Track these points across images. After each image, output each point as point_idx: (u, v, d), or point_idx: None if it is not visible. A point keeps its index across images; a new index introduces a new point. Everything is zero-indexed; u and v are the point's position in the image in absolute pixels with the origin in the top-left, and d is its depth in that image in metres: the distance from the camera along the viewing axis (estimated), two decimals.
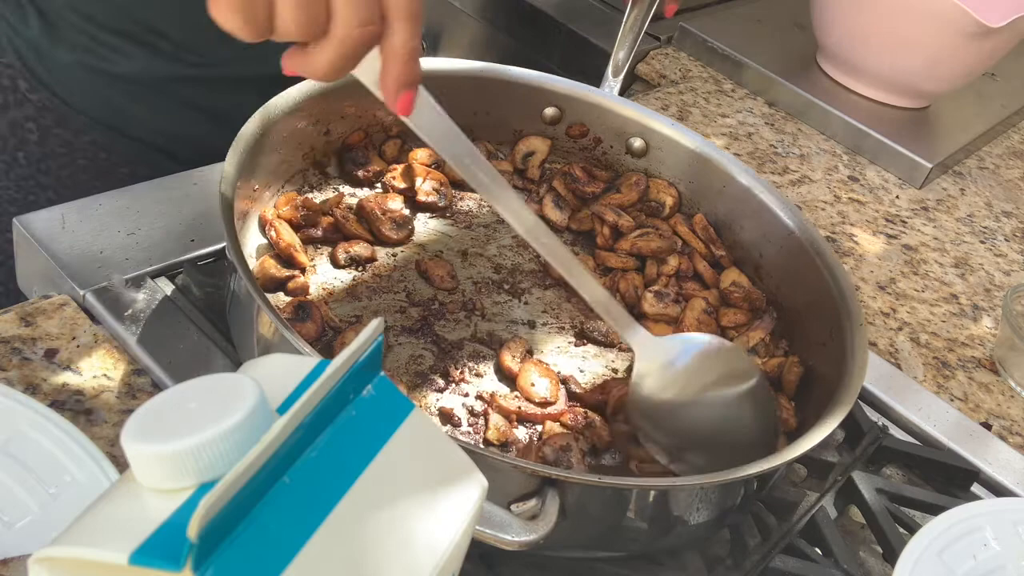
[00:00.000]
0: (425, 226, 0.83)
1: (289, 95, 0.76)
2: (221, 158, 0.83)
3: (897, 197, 1.16)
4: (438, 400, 0.68)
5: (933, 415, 0.83)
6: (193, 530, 0.28)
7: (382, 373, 0.37)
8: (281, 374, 0.36)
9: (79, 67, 0.89)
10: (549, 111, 0.90)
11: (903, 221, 1.12)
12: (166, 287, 0.73)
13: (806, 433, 0.63)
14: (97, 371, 0.66)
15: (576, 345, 0.77)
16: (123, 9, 0.86)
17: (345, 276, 0.76)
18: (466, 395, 0.69)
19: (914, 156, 1.19)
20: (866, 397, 0.83)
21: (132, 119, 0.91)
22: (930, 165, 1.18)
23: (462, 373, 0.70)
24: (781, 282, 0.83)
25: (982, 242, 1.12)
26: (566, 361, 0.75)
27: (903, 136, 1.21)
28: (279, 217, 0.75)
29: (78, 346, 0.67)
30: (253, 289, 0.60)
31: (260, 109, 0.73)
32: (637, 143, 0.90)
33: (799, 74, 1.29)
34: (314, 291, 0.74)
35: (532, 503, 0.56)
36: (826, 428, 0.63)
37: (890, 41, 1.20)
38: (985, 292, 1.04)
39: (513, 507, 0.56)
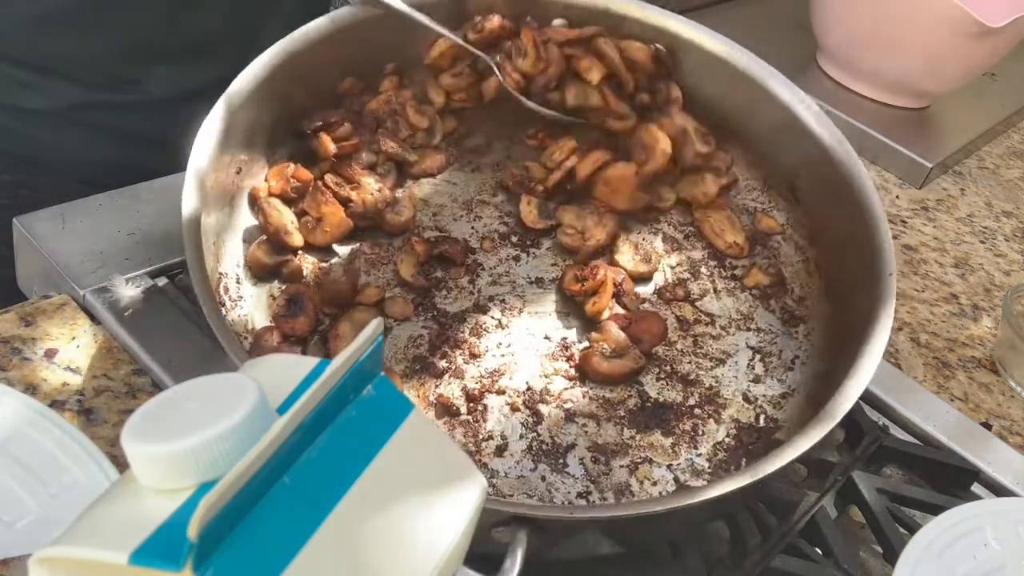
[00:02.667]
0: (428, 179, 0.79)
1: (260, 64, 0.70)
2: (147, 178, 0.81)
3: (897, 197, 1.16)
4: (436, 387, 0.68)
5: (933, 415, 0.83)
6: (193, 530, 0.28)
7: (382, 373, 0.37)
8: (281, 374, 0.36)
9: None
10: (557, 23, 0.81)
11: (903, 221, 1.12)
12: (166, 287, 0.73)
13: (804, 429, 0.62)
14: (97, 371, 0.66)
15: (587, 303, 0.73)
16: (24, 43, 0.85)
17: (342, 250, 0.74)
18: (465, 377, 0.68)
19: (914, 156, 1.19)
20: (866, 397, 0.83)
21: (50, 151, 0.90)
22: (930, 165, 1.18)
23: (462, 356, 0.69)
24: (817, 209, 0.77)
25: (982, 242, 1.12)
26: (575, 324, 0.73)
27: (903, 136, 1.21)
28: (270, 194, 0.71)
29: (78, 346, 0.67)
30: (220, 332, 0.56)
31: (227, 90, 0.68)
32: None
33: (799, 74, 1.29)
34: (309, 271, 0.71)
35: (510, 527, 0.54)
36: (826, 427, 0.61)
37: (890, 41, 1.20)
38: (985, 292, 1.04)
39: (493, 531, 0.54)
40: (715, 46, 0.80)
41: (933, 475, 0.78)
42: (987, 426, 0.85)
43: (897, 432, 0.81)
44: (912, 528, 0.70)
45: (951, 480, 0.78)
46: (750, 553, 0.65)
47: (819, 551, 0.67)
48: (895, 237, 1.09)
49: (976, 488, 0.78)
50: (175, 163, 0.83)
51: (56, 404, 0.62)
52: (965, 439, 0.82)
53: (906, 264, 1.05)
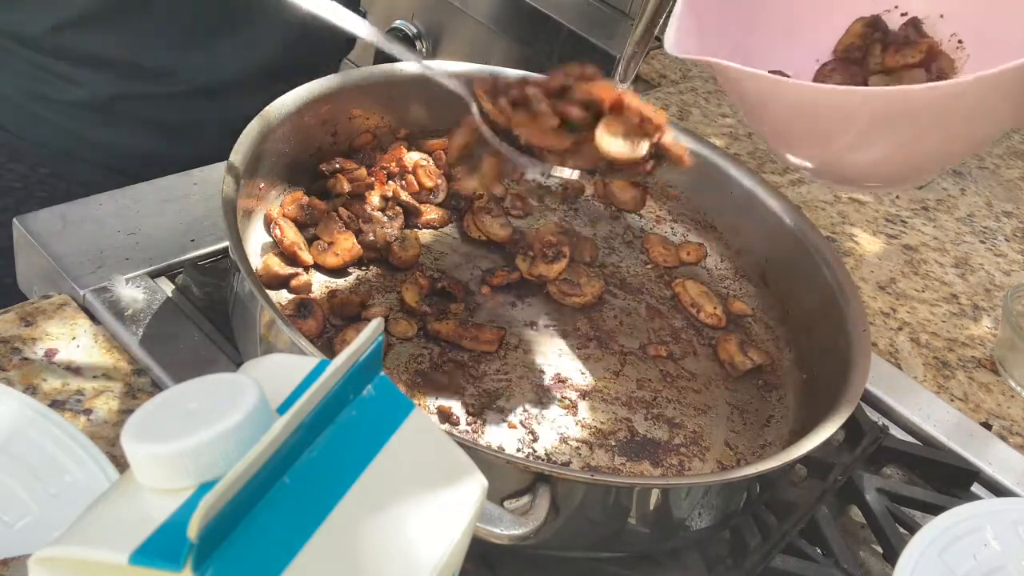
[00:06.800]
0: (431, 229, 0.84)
1: (296, 95, 0.76)
2: (180, 170, 0.82)
3: (897, 197, 1.16)
4: (437, 399, 0.68)
5: (933, 415, 0.83)
6: (193, 530, 0.28)
7: (382, 373, 0.37)
8: (281, 374, 0.36)
9: (27, 98, 0.88)
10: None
11: (903, 221, 1.12)
12: (166, 287, 0.73)
13: (808, 435, 0.63)
14: (97, 371, 0.66)
15: (578, 347, 0.77)
16: (66, 36, 0.86)
17: (349, 276, 0.76)
18: (465, 395, 0.69)
19: None
20: (866, 397, 0.83)
21: (86, 144, 0.90)
22: None
23: (462, 376, 0.71)
24: (788, 288, 0.83)
25: (982, 242, 1.12)
26: (568, 363, 0.75)
27: None
28: (284, 216, 0.75)
29: (78, 346, 0.67)
30: (255, 288, 0.60)
31: (262, 111, 0.73)
32: None
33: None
34: (317, 289, 0.74)
35: (524, 500, 0.56)
36: (827, 430, 0.63)
37: None
38: (985, 292, 1.04)
39: (506, 503, 0.56)
40: (694, 146, 0.86)
41: (933, 475, 0.78)
42: (987, 426, 0.85)
43: (897, 432, 0.81)
44: (912, 528, 0.70)
45: (951, 480, 0.78)
46: (750, 553, 0.65)
47: (819, 551, 0.67)
48: (895, 237, 1.09)
49: (976, 488, 0.78)
50: (209, 155, 0.84)
51: (56, 404, 0.62)
52: (965, 439, 0.82)
53: (906, 264, 1.05)
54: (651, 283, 0.85)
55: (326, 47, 1.00)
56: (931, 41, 0.75)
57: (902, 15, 0.77)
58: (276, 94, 0.75)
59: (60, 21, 0.85)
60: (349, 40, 1.07)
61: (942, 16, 0.76)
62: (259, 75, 0.93)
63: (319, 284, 0.74)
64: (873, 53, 0.75)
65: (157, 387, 0.66)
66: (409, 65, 0.86)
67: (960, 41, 0.75)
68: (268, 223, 0.75)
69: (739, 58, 0.66)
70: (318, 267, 0.75)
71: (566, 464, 0.67)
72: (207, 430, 0.31)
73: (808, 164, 0.73)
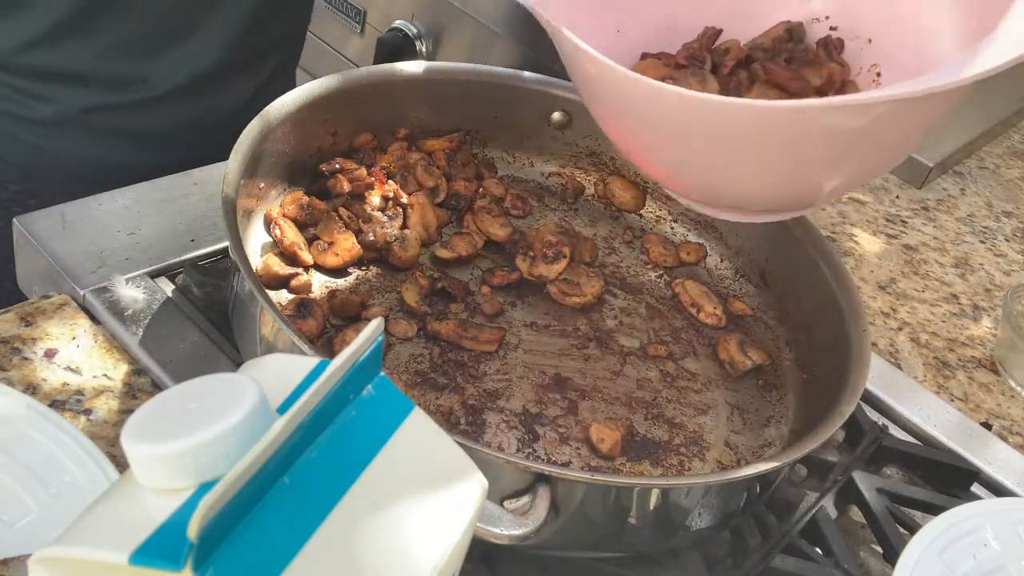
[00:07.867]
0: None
1: (295, 96, 0.76)
2: (155, 178, 0.82)
3: (897, 197, 1.16)
4: (437, 399, 0.68)
5: (933, 415, 0.83)
6: (193, 530, 0.28)
7: (382, 373, 0.37)
8: (281, 374, 0.36)
9: None
10: (556, 116, 0.89)
11: (903, 221, 1.12)
12: (166, 287, 0.73)
13: (808, 435, 0.63)
14: (97, 371, 0.66)
15: (578, 347, 0.77)
16: (29, 56, 0.85)
17: (349, 276, 0.76)
18: (465, 395, 0.69)
19: (914, 156, 1.19)
20: (866, 397, 0.83)
21: (59, 159, 0.90)
22: (930, 165, 1.18)
23: (462, 376, 0.71)
24: (788, 288, 0.83)
25: (982, 242, 1.12)
26: (568, 363, 0.75)
27: None
28: (284, 216, 0.75)
29: (78, 346, 0.67)
30: (255, 288, 0.60)
31: (262, 112, 0.73)
32: None
33: None
34: (317, 289, 0.74)
35: (524, 500, 0.56)
36: (827, 430, 0.63)
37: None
38: (985, 292, 1.04)
39: (506, 503, 0.56)
40: None
41: (933, 475, 0.78)
42: (987, 426, 0.85)
43: (897, 432, 0.81)
44: (912, 528, 0.70)
45: (951, 480, 0.78)
46: (750, 553, 0.65)
47: (819, 551, 0.67)
48: (895, 237, 1.09)
49: (976, 488, 0.78)
50: (184, 159, 0.83)
51: (56, 404, 0.62)
52: (965, 439, 0.82)
53: (906, 264, 1.05)
54: (651, 283, 0.85)
55: (283, 25, 0.98)
56: (836, 68, 0.69)
57: (831, 28, 0.71)
58: (247, 85, 0.74)
59: (27, 39, 0.85)
60: (303, 10, 1.04)
61: (870, 41, 0.70)
62: (225, 68, 0.92)
63: (319, 284, 0.74)
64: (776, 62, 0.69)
65: (157, 387, 0.66)
66: (409, 65, 0.86)
67: (879, 74, 0.69)
68: (268, 223, 0.75)
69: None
70: (318, 267, 0.75)
71: (566, 464, 0.67)
72: (207, 430, 0.31)
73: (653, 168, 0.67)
